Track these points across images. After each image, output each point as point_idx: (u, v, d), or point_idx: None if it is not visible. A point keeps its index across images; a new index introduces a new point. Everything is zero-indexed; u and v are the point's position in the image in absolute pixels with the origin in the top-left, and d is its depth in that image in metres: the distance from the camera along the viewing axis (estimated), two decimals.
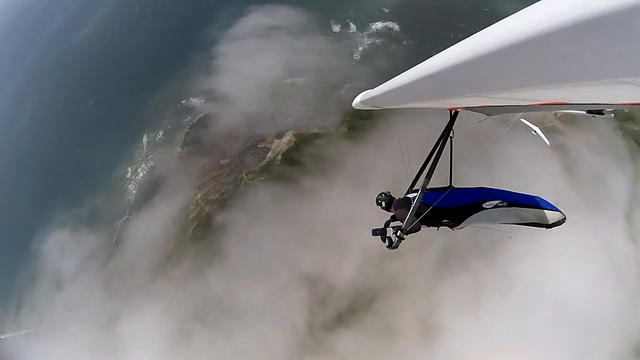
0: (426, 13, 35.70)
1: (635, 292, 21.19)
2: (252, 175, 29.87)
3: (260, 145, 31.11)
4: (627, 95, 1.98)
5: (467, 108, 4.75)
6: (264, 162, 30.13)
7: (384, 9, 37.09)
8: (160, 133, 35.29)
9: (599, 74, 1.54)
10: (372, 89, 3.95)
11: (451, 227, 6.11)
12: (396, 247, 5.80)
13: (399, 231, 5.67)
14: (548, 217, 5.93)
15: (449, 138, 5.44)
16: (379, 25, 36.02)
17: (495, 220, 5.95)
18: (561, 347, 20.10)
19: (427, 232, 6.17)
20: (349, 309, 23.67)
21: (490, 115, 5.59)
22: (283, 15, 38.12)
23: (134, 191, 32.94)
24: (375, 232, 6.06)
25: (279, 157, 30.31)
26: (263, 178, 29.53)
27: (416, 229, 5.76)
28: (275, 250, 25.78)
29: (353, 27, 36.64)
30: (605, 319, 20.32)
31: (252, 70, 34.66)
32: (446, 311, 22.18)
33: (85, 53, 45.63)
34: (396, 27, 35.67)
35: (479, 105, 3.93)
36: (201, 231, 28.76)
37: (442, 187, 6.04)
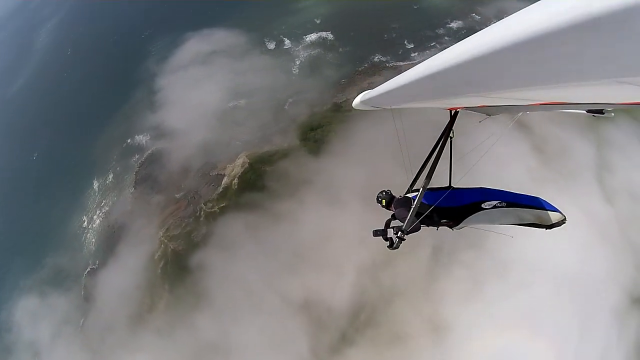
0: (357, 18, 36.37)
1: (619, 247, 22.40)
2: (211, 204, 29.25)
3: (213, 173, 30.36)
4: (627, 95, 1.99)
5: (467, 108, 4.78)
6: (220, 189, 29.29)
7: (315, 20, 37.68)
8: (110, 176, 34.16)
9: (599, 73, 1.56)
10: (372, 89, 3.97)
11: (450, 227, 6.10)
12: (397, 247, 5.75)
13: (400, 232, 5.66)
14: (548, 218, 5.91)
15: (449, 138, 5.48)
16: (312, 36, 36.58)
17: (494, 221, 5.96)
18: (568, 315, 20.87)
19: (419, 233, 6.06)
20: (351, 327, 23.30)
21: (490, 115, 5.66)
22: (219, 39, 37.83)
23: (93, 240, 31.41)
24: (376, 233, 5.98)
25: (235, 181, 29.66)
26: (223, 205, 28.84)
27: (416, 229, 5.75)
28: (261, 281, 25.09)
29: (287, 42, 37.00)
30: (600, 278, 21.19)
31: (196, 99, 34.19)
32: (450, 307, 22.41)
33: (23, 105, 43.58)
34: (330, 36, 36.21)
35: (479, 105, 3.95)
36: (172, 270, 27.58)
37: (441, 187, 6.03)
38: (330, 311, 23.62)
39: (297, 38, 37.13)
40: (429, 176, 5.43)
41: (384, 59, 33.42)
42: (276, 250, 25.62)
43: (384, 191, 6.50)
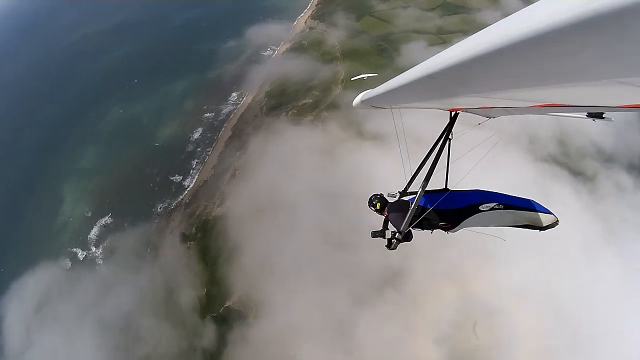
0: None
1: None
2: None
3: None
4: (627, 96, 1.99)
5: (467, 109, 4.77)
6: None
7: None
8: None
9: (599, 73, 1.55)
10: (373, 89, 3.95)
11: (446, 230, 6.12)
12: (395, 248, 5.85)
13: (397, 233, 5.74)
14: (542, 220, 6.01)
15: (448, 140, 5.47)
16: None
17: (491, 223, 6.03)
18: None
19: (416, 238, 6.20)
20: None
21: (490, 117, 5.66)
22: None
23: None
24: (374, 235, 6.02)
25: None
26: None
27: (408, 238, 5.87)
28: None
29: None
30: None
31: None
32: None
33: None
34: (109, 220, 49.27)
35: (479, 106, 3.97)
36: None
37: (437, 189, 6.02)
38: None
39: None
40: (427, 178, 5.45)
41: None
42: None
43: (376, 195, 6.45)
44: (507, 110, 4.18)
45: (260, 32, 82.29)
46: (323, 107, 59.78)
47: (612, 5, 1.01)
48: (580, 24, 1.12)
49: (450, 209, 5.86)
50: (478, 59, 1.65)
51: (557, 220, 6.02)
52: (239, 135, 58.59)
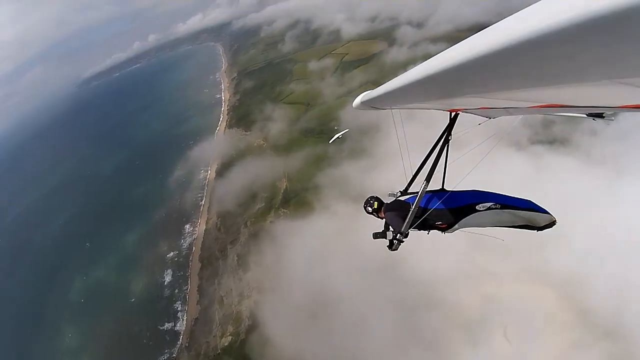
0: None
1: None
2: None
3: None
4: (628, 97, 1.99)
5: (467, 110, 4.76)
6: None
7: None
8: None
9: (600, 74, 1.55)
10: (373, 89, 3.96)
11: (442, 230, 6.10)
12: (396, 249, 5.84)
13: (398, 234, 5.73)
14: (539, 220, 6.01)
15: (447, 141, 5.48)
16: None
17: (488, 223, 6.01)
18: None
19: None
20: None
21: (490, 118, 5.67)
22: None
23: None
24: (376, 236, 6.04)
25: None
26: None
27: (405, 235, 5.83)
28: None
29: None
30: None
31: None
32: None
33: None
34: None
35: (480, 107, 3.96)
36: None
37: (434, 189, 6.03)
38: None
39: None
40: (428, 179, 5.46)
41: None
42: None
43: (372, 197, 6.52)
44: (508, 111, 4.18)
45: (188, 158, 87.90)
46: (277, 205, 62.43)
47: (612, 6, 1.01)
48: (581, 24, 1.11)
49: (447, 209, 5.85)
50: (478, 60, 1.64)
51: (555, 220, 6.01)
52: (210, 263, 59.35)
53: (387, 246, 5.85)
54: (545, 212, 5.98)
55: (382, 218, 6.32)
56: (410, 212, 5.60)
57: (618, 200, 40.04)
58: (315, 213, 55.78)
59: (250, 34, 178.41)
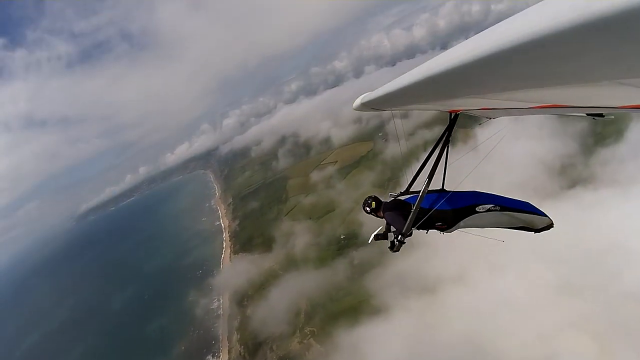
0: None
1: None
2: None
3: None
4: (628, 97, 1.97)
5: (467, 110, 4.76)
6: None
7: None
8: None
9: (600, 75, 1.55)
10: (373, 91, 3.94)
11: (442, 231, 6.08)
12: (398, 250, 5.83)
13: (400, 235, 5.70)
14: (537, 222, 6.06)
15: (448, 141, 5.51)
16: None
17: (487, 224, 6.00)
18: None
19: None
20: None
21: (491, 118, 5.69)
22: None
23: None
24: (377, 237, 6.11)
25: None
26: None
27: (409, 233, 5.81)
28: None
29: None
30: None
31: None
32: None
33: None
34: None
35: (481, 107, 3.96)
36: None
37: (435, 190, 5.99)
38: None
39: None
40: (429, 179, 5.50)
41: None
42: None
43: (370, 197, 6.47)
44: (508, 111, 4.20)
45: (198, 288, 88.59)
46: (301, 324, 63.11)
47: (613, 7, 1.01)
48: (582, 26, 1.11)
49: (447, 210, 5.87)
50: (479, 61, 1.63)
51: (552, 223, 6.09)
52: None
53: (389, 247, 5.86)
54: (543, 214, 6.05)
55: (381, 217, 6.28)
56: (412, 212, 5.60)
57: None
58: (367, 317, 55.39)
59: (238, 157, 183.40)
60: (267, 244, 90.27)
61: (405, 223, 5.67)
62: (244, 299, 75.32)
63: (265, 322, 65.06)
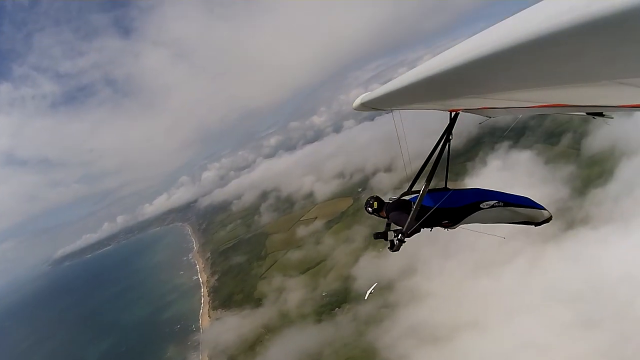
0: None
1: None
2: None
3: None
4: (627, 96, 1.99)
5: (467, 110, 4.74)
6: None
7: None
8: None
9: (599, 75, 1.55)
10: (372, 91, 3.95)
11: (446, 228, 6.10)
12: (397, 249, 5.74)
13: (400, 234, 5.65)
14: (537, 216, 6.15)
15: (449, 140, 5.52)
16: None
17: (490, 220, 6.07)
18: None
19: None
20: None
21: (491, 117, 5.66)
22: None
23: None
24: (377, 236, 5.95)
25: None
26: None
27: (416, 230, 5.78)
28: None
29: None
30: None
31: None
32: None
33: None
34: None
35: (480, 107, 3.93)
36: None
37: (438, 188, 6.02)
38: None
39: None
40: (429, 178, 5.50)
41: None
42: None
43: (372, 197, 6.45)
44: (508, 110, 4.22)
45: (176, 345, 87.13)
46: None
47: (613, 8, 1.03)
48: (582, 26, 1.12)
49: (452, 208, 5.90)
50: (479, 61, 1.65)
51: (551, 216, 6.19)
52: None
53: (389, 247, 5.79)
54: (542, 208, 6.17)
55: (383, 217, 6.27)
56: (412, 210, 5.58)
57: None
58: None
59: (218, 210, 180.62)
60: (248, 301, 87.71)
61: (411, 222, 5.66)
62: (228, 357, 73.45)
63: None
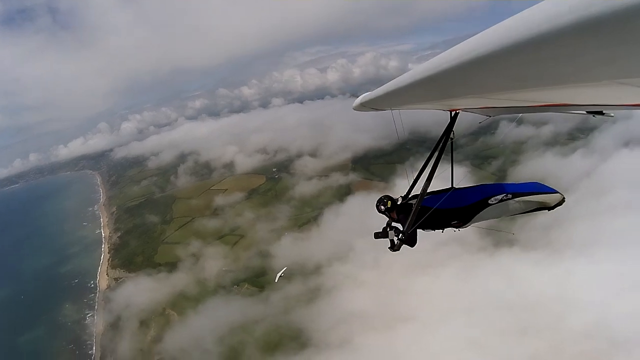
0: None
1: None
2: None
3: None
4: (627, 96, 1.99)
5: (467, 109, 4.71)
6: None
7: None
8: None
9: (599, 75, 1.54)
10: (372, 91, 3.91)
11: (457, 227, 5.99)
12: (398, 249, 5.75)
13: (400, 234, 5.64)
14: (549, 200, 5.92)
15: (449, 139, 5.43)
16: None
17: (501, 214, 5.87)
18: None
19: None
20: None
21: (491, 116, 5.61)
22: None
23: None
24: (377, 235, 5.87)
25: None
26: None
27: (413, 241, 5.76)
28: None
29: None
30: None
31: None
32: None
33: None
34: None
35: (480, 106, 3.91)
36: None
37: (443, 189, 5.91)
38: None
39: None
40: (429, 179, 5.40)
41: None
42: None
43: (384, 197, 6.21)
44: (508, 110, 4.22)
45: (73, 300, 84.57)
46: None
47: (612, 8, 1.02)
48: (582, 26, 1.12)
49: (460, 207, 5.80)
50: (479, 61, 1.65)
51: (564, 198, 6.01)
52: None
53: (389, 247, 5.82)
54: (554, 191, 5.96)
55: (394, 218, 6.11)
56: (412, 212, 5.50)
57: None
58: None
59: (132, 164, 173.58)
60: (147, 264, 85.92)
61: (422, 224, 5.58)
62: (119, 321, 72.19)
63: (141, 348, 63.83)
